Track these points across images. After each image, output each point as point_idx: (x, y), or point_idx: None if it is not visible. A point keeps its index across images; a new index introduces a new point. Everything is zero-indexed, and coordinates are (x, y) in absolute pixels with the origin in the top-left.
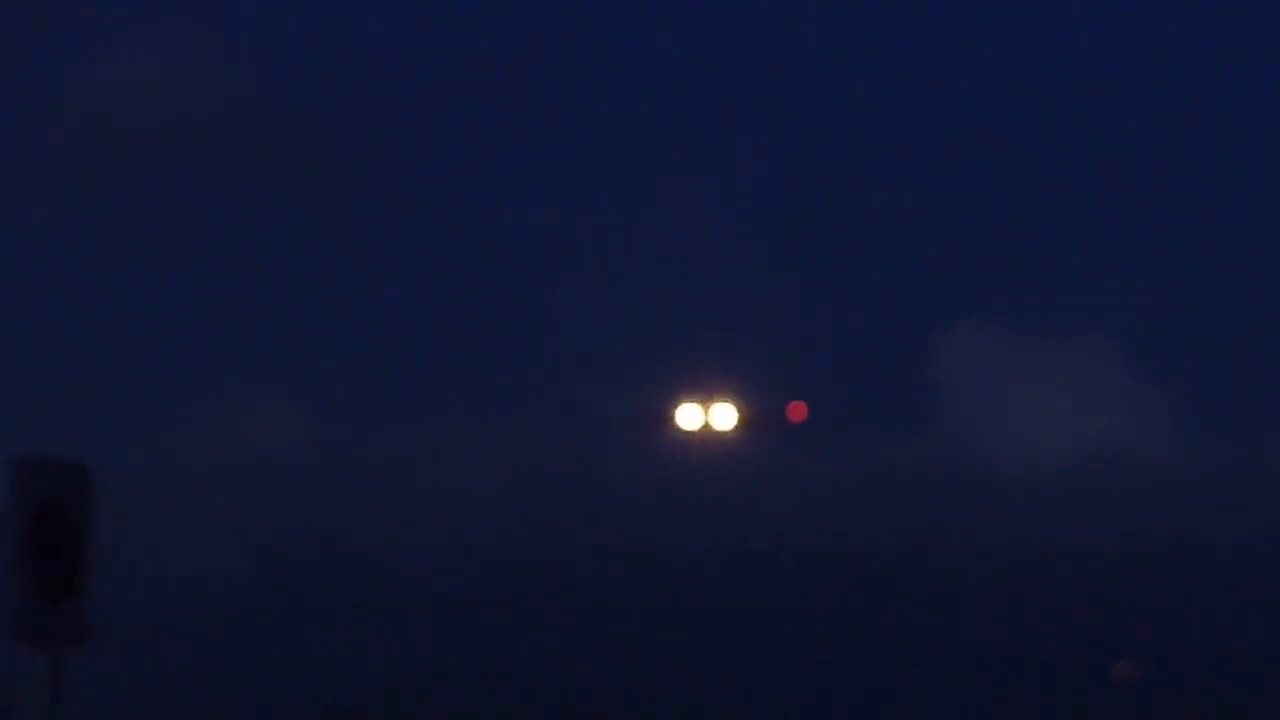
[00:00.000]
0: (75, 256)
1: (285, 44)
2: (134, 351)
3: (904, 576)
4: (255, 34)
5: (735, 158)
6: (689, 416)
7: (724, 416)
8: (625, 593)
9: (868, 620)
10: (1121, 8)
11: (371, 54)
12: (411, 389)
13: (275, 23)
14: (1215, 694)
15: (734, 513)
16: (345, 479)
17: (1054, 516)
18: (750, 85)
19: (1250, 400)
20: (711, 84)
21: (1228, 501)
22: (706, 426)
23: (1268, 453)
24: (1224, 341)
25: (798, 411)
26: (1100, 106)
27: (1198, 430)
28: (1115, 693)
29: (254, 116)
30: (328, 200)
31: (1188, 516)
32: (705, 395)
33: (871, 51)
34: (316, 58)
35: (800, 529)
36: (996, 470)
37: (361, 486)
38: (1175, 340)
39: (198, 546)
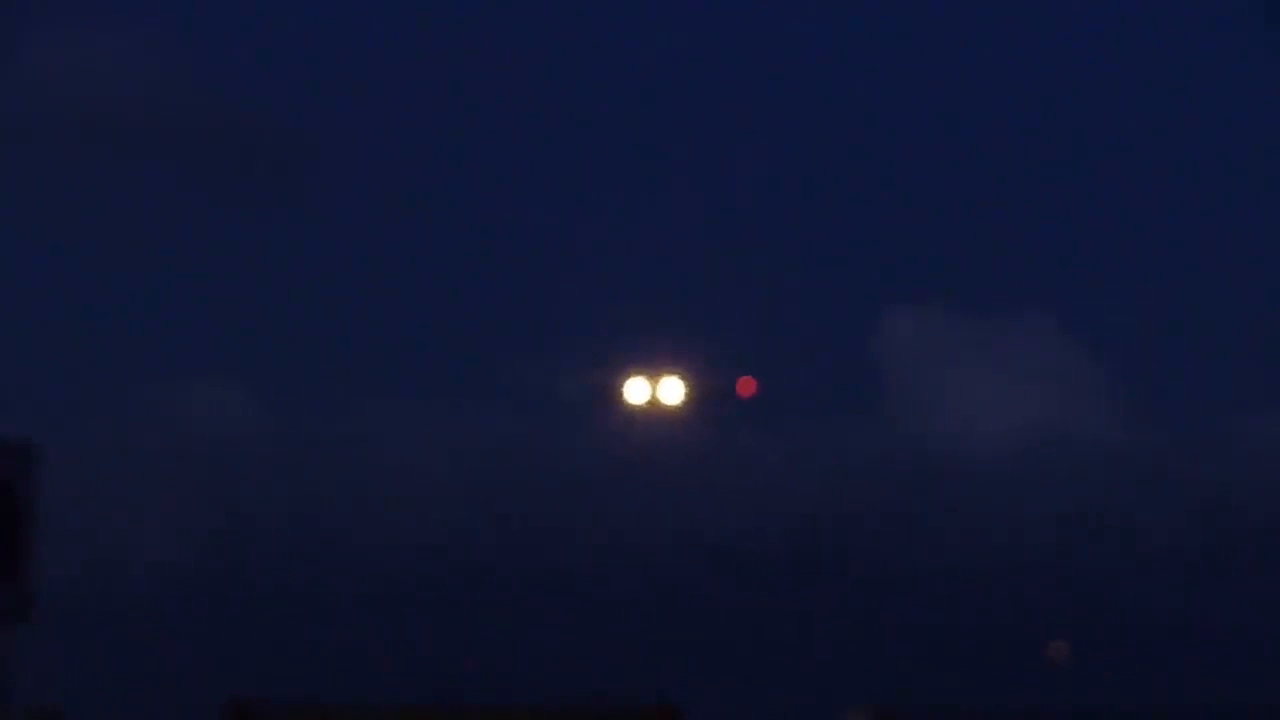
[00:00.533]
0: (34, 247)
1: (286, 44)
2: (90, 338)
3: (846, 551)
4: (254, 32)
5: (717, 153)
6: (636, 390)
7: (671, 391)
8: (574, 567)
9: (807, 594)
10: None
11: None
12: (358, 372)
13: (276, 21)
14: (1153, 664)
15: (680, 488)
16: (298, 462)
17: (1002, 495)
18: (748, 85)
19: (1201, 384)
20: (709, 83)
21: (1170, 480)
22: (654, 400)
23: (1212, 432)
24: (1173, 327)
25: (747, 386)
26: (1064, 101)
27: (1144, 411)
28: (1058, 668)
29: (224, 115)
30: (279, 194)
31: (1130, 495)
32: (653, 370)
33: (873, 51)
34: (316, 57)
35: (747, 505)
36: (943, 450)
37: (313, 469)
38: (1124, 324)
39: (153, 529)
